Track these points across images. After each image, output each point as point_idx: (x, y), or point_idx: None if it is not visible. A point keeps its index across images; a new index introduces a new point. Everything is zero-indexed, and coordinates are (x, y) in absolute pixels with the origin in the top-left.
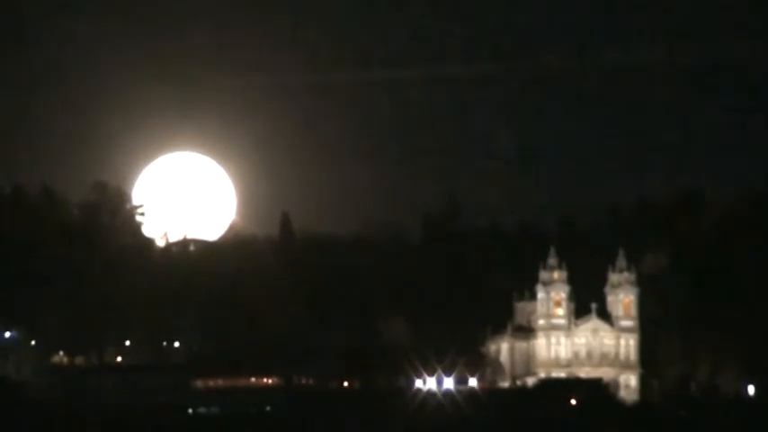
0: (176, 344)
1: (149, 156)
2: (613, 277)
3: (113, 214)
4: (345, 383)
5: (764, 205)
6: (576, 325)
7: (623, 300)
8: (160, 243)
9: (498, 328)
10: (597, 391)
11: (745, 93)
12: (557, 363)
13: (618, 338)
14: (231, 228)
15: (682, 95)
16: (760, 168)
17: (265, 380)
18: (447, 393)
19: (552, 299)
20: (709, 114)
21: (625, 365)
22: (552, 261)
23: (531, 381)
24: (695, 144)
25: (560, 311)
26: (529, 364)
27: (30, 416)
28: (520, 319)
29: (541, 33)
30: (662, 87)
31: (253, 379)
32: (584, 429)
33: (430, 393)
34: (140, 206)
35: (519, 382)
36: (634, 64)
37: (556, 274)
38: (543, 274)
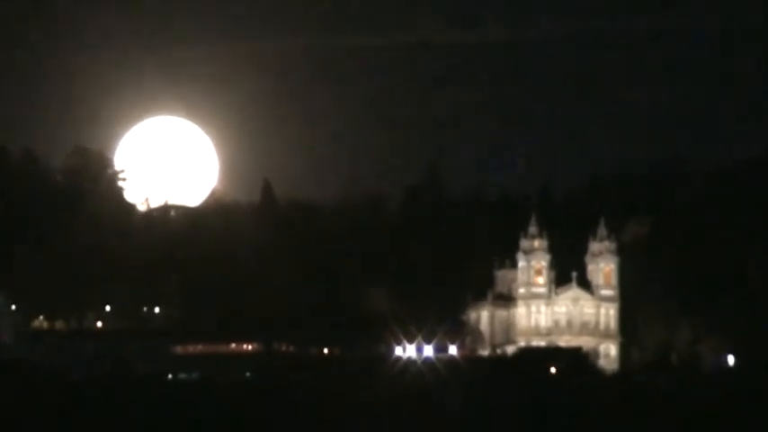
0: (156, 310)
1: (132, 120)
2: (594, 246)
3: (95, 179)
4: (326, 350)
5: (745, 175)
6: (557, 294)
7: (604, 269)
8: (141, 208)
9: (478, 297)
10: (577, 360)
11: (730, 60)
12: (537, 331)
13: (598, 307)
14: (213, 194)
15: (668, 64)
16: (743, 139)
17: (246, 346)
18: (427, 361)
19: (533, 267)
20: (693, 83)
21: (605, 334)
22: (533, 229)
23: (510, 349)
24: (678, 113)
25: (541, 280)
26: (509, 332)
27: (8, 379)
28: (500, 287)
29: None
30: (648, 56)
31: (233, 345)
32: (563, 398)
33: (410, 361)
34: (122, 171)
35: (499, 351)
36: (622, 32)
37: (536, 243)
38: (524, 243)
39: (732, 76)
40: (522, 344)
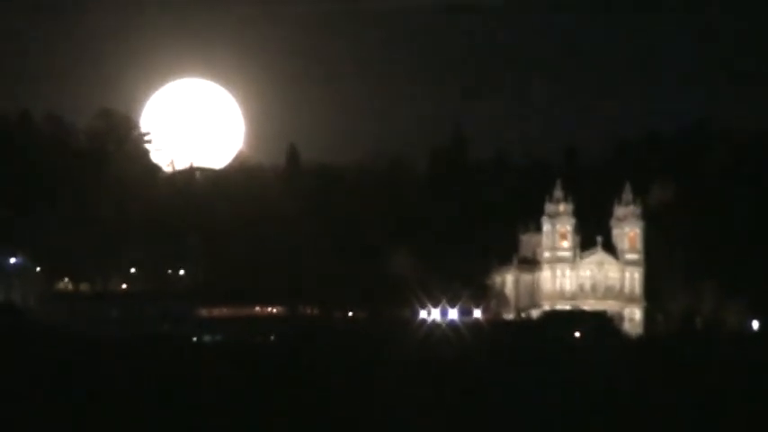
0: (181, 272)
1: (158, 82)
2: (619, 210)
3: (120, 141)
4: (350, 314)
5: None
6: (582, 258)
7: (629, 233)
8: (167, 171)
9: (503, 261)
10: (601, 324)
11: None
12: (561, 295)
13: (623, 272)
14: (238, 157)
15: (697, 24)
16: None
17: (270, 309)
18: (451, 324)
19: (558, 231)
20: (723, 44)
21: (630, 299)
22: (558, 193)
23: (535, 313)
24: (709, 75)
25: (566, 244)
26: (534, 296)
27: (33, 341)
28: (525, 251)
29: None
30: (679, 18)
31: (257, 308)
32: (588, 361)
33: (434, 324)
34: (147, 133)
35: (523, 315)
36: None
37: (561, 207)
38: (549, 207)
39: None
40: (547, 308)
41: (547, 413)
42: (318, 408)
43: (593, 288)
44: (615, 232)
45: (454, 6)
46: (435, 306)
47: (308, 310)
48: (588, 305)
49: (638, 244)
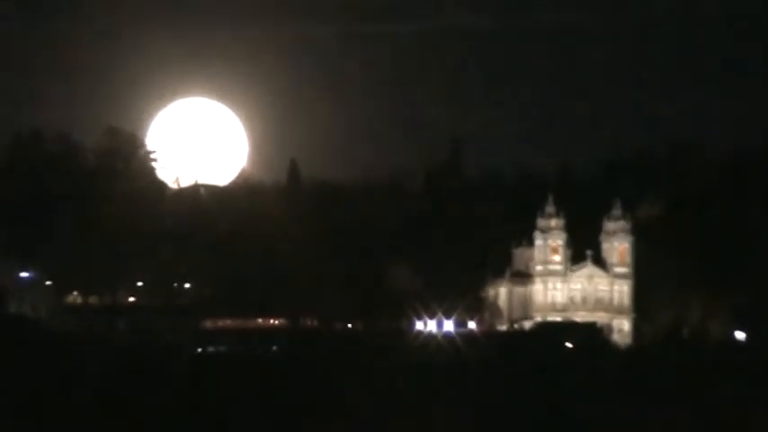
0: (186, 285)
1: (163, 101)
2: (609, 225)
3: (127, 159)
4: (349, 325)
5: (755, 162)
6: (572, 271)
7: (618, 247)
8: (172, 187)
9: (497, 274)
10: (592, 335)
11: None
12: (553, 307)
13: (612, 284)
14: (241, 174)
15: (685, 50)
16: (754, 123)
17: (272, 321)
18: (447, 336)
19: (549, 246)
20: (708, 68)
21: (619, 310)
22: (550, 209)
23: (527, 324)
24: (695, 97)
25: (557, 258)
26: (526, 308)
27: (44, 351)
28: (518, 264)
29: None
30: (668, 42)
31: (260, 320)
32: (577, 370)
33: (430, 335)
34: (153, 151)
35: (516, 326)
36: (638, 18)
37: (553, 222)
38: (541, 222)
39: (746, 66)
40: (539, 319)
41: (539, 415)
42: (315, 410)
43: (584, 300)
44: (605, 246)
45: (448, 30)
46: (431, 318)
47: (309, 322)
48: (579, 317)
49: (627, 258)
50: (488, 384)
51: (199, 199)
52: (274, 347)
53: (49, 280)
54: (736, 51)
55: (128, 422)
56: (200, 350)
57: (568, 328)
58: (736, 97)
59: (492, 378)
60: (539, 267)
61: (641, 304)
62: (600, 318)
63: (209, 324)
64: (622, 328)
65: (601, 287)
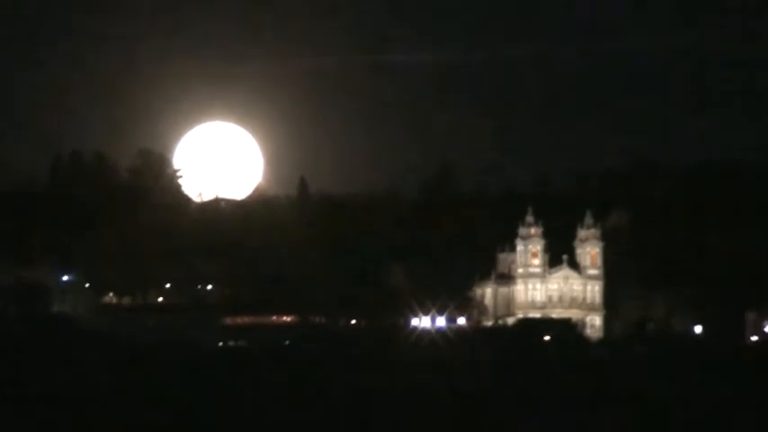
0: (209, 287)
1: (188, 125)
2: (582, 233)
3: (156, 177)
4: (353, 322)
5: (707, 174)
6: (550, 273)
7: (590, 252)
8: (196, 201)
9: (483, 276)
10: (567, 329)
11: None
12: (533, 305)
13: (585, 285)
14: (257, 189)
15: (644, 78)
16: (709, 139)
17: (285, 318)
18: (439, 331)
19: (530, 251)
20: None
21: (591, 308)
22: (530, 219)
23: (510, 320)
24: (657, 117)
25: (536, 261)
26: (509, 306)
27: (84, 346)
28: (502, 268)
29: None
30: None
31: (275, 317)
32: (555, 361)
33: (425, 331)
34: (179, 170)
35: (501, 322)
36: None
37: (533, 230)
38: (522, 230)
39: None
40: (521, 315)
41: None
42: (322, 394)
43: (560, 299)
44: (578, 251)
45: (440, 62)
46: (426, 315)
47: (317, 319)
48: (556, 313)
49: (598, 261)
50: (476, 372)
51: (219, 211)
52: (287, 341)
53: (87, 282)
54: (700, 76)
55: (168, 412)
56: (221, 344)
57: (546, 324)
58: (693, 117)
59: (479, 367)
60: (520, 270)
61: (611, 302)
62: (574, 314)
63: (229, 321)
64: (594, 323)
65: (575, 287)
